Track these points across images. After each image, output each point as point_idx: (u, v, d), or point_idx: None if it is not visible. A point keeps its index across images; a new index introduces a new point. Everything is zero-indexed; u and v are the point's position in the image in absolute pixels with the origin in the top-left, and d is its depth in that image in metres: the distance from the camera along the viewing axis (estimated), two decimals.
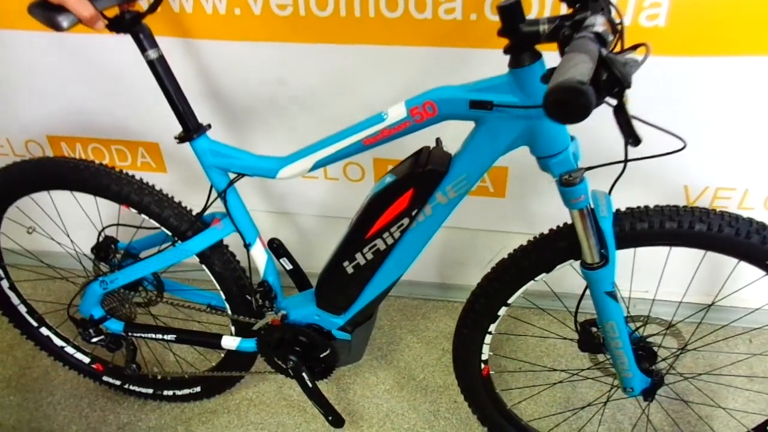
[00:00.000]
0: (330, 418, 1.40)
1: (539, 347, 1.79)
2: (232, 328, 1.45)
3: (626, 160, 0.94)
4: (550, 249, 1.13)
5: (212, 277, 1.34)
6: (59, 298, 1.95)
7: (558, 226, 1.13)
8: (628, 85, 0.69)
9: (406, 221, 1.11)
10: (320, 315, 1.30)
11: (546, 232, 1.14)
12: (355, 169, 1.73)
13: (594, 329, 1.26)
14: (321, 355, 1.35)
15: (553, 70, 0.71)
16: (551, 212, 1.70)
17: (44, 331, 1.61)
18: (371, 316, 1.31)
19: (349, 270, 1.19)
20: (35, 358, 1.81)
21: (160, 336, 1.40)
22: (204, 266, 1.32)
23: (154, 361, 1.78)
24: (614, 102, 0.77)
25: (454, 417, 1.60)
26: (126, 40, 1.08)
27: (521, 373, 1.71)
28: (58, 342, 1.63)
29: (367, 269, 1.19)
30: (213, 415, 1.64)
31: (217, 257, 1.30)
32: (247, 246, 1.27)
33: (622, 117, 0.80)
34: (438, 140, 1.13)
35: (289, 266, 1.39)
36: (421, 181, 1.06)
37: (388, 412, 1.62)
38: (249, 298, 1.33)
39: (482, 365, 1.31)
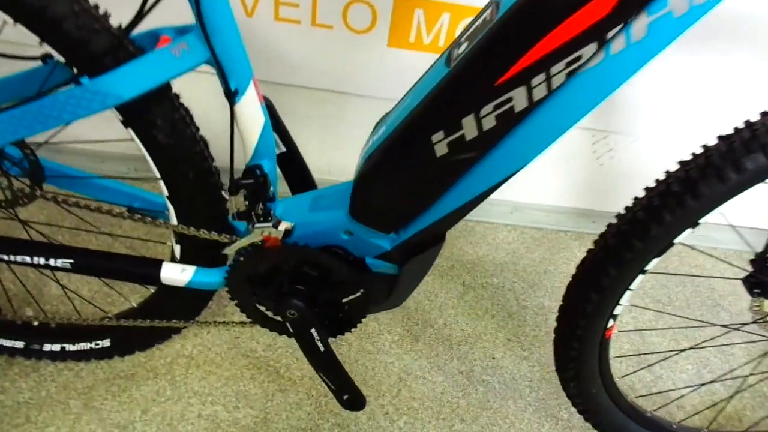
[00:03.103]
0: (345, 397, 0.86)
1: (661, 289, 1.33)
2: (176, 249, 0.83)
3: None
4: None
5: (146, 154, 0.71)
6: None
7: None
8: None
9: (589, 50, 0.55)
10: (355, 231, 0.73)
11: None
12: (362, 10, 1.11)
13: None
14: (344, 299, 0.79)
15: None
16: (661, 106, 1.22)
17: None
18: (442, 238, 0.76)
19: (440, 150, 0.63)
20: None
21: (40, 260, 0.76)
22: (131, 131, 0.69)
23: (24, 296, 1.12)
24: None
25: (495, 380, 1.13)
26: None
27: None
28: None
29: (477, 149, 0.62)
30: (130, 381, 1.04)
31: (158, 113, 0.67)
32: (233, 95, 0.65)
33: None
34: None
35: (280, 148, 0.80)
36: None
37: (401, 373, 1.11)
38: (226, 196, 0.73)
39: (609, 323, 0.81)
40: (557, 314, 0.84)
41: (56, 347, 1.01)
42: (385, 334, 1.17)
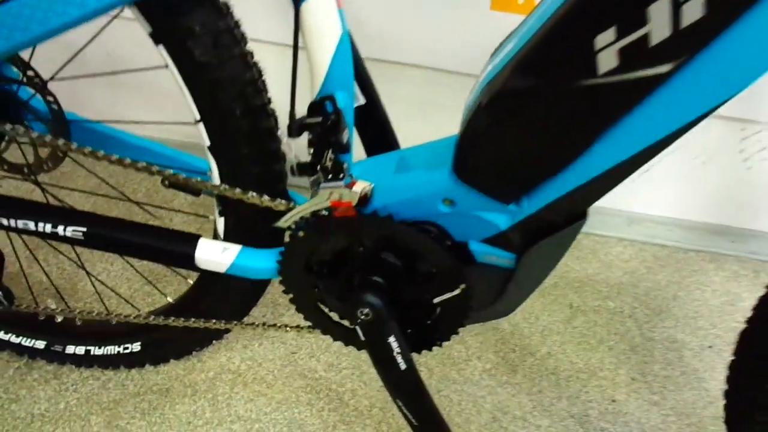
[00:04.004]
0: None
1: None
2: (219, 224, 0.64)
3: None
4: None
5: (182, 82, 0.53)
6: None
7: None
8: None
9: None
10: (458, 200, 0.51)
11: None
12: None
13: None
14: (436, 299, 0.57)
15: None
16: None
17: None
18: (582, 216, 0.53)
19: (606, 62, 0.41)
20: None
21: (46, 226, 0.59)
22: (164, 51, 0.51)
23: (50, 288, 0.97)
24: None
25: (617, 429, 0.87)
26: None
27: None
28: None
29: (666, 59, 0.40)
30: (163, 398, 0.85)
31: (197, 17, 0.49)
32: None
33: None
34: None
35: (359, 100, 0.60)
36: None
37: (495, 412, 0.87)
38: (282, 140, 0.54)
39: None
40: (738, 338, 0.59)
41: (80, 350, 0.85)
42: (474, 361, 0.94)
